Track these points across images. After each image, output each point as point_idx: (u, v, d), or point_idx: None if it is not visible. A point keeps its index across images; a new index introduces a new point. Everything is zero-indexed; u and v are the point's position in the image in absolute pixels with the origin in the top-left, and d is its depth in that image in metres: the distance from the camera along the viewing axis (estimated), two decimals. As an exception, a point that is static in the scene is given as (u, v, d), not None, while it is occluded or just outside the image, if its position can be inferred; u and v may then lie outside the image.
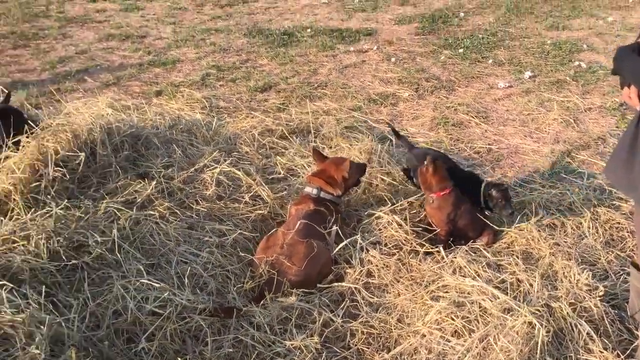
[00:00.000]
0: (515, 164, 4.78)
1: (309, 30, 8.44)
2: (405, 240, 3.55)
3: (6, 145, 3.77)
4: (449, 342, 2.79)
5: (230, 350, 2.84)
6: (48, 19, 9.22)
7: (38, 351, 2.36)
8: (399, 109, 5.92)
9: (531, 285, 3.14)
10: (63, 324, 2.58)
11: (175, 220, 3.64)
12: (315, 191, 3.77)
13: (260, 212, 3.93)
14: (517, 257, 3.41)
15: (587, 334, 2.78)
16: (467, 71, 6.82)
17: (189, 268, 3.23)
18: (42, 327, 2.48)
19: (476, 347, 2.71)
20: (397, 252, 3.47)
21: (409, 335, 2.91)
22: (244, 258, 3.48)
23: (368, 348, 2.91)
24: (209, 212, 3.85)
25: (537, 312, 2.84)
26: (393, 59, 7.25)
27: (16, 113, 4.31)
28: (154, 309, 2.91)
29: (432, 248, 3.48)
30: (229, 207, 3.93)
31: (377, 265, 3.37)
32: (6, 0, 10.43)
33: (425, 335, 2.87)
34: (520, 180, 4.44)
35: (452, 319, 2.88)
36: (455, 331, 2.85)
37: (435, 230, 3.64)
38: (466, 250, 3.47)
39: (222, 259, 3.43)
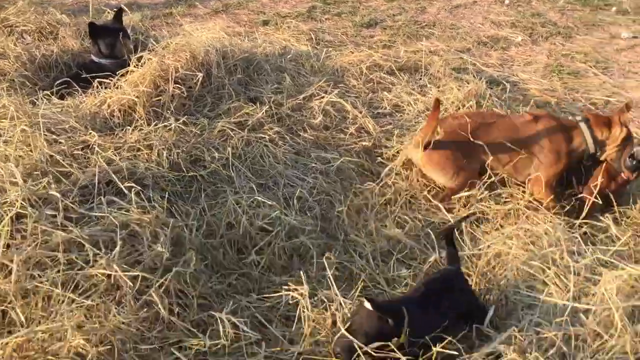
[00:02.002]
0: (635, 119, 4.51)
1: (418, -34, 8.15)
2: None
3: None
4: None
5: (336, 273, 2.93)
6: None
7: (163, 250, 2.53)
8: (510, 53, 5.69)
9: None
10: (184, 228, 2.75)
11: (284, 145, 3.73)
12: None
13: (364, 143, 3.95)
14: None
15: None
16: (587, 18, 6.41)
17: (296, 191, 3.33)
18: (166, 228, 2.66)
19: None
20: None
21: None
22: (347, 185, 3.55)
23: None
24: (315, 140, 3.91)
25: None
26: (507, 1, 6.92)
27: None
28: (264, 226, 3.04)
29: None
30: (334, 137, 3.98)
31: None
32: None
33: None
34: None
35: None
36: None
37: None
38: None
39: (326, 185, 3.51)
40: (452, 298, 2.55)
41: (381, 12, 6.73)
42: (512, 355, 2.32)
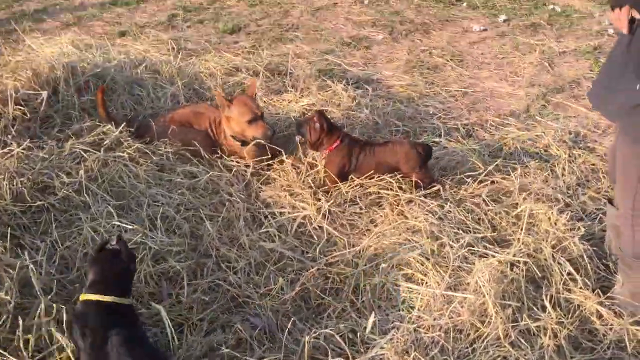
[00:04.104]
0: (490, 107, 4.72)
1: (278, -29, 8.12)
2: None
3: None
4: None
5: (205, 298, 2.75)
6: (1, -45, 8.67)
7: (8, 297, 2.23)
8: (373, 52, 5.78)
9: (504, 226, 3.15)
10: (32, 267, 2.44)
11: (146, 162, 3.49)
12: None
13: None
14: (490, 201, 3.38)
15: (568, 273, 2.78)
16: (441, 14, 6.68)
17: (161, 210, 3.12)
18: (10, 271, 2.35)
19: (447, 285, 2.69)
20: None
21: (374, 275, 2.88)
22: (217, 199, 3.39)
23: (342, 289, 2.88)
24: (178, 153, 3.71)
25: (516, 253, 2.83)
26: (366, 1, 7.06)
27: None
28: (127, 252, 2.80)
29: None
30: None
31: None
32: None
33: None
34: (496, 124, 4.39)
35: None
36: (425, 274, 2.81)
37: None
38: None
39: (194, 201, 3.32)
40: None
41: (244, 17, 6.62)
42: (394, 358, 2.28)
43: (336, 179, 3.50)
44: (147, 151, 3.56)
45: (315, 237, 3.18)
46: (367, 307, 2.75)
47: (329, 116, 3.82)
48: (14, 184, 2.92)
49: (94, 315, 2.16)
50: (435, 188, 3.44)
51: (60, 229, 2.87)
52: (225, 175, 3.53)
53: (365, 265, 2.93)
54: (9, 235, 2.60)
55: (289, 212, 3.30)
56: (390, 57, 5.65)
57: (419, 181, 3.45)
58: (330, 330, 2.52)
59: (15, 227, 2.74)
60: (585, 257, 2.88)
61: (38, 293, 2.37)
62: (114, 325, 2.12)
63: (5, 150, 3.15)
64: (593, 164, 3.84)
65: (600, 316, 2.64)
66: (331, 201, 3.39)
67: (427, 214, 3.18)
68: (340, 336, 2.51)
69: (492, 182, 3.56)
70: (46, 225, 2.88)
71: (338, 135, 3.52)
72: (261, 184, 3.58)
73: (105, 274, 2.27)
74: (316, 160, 3.68)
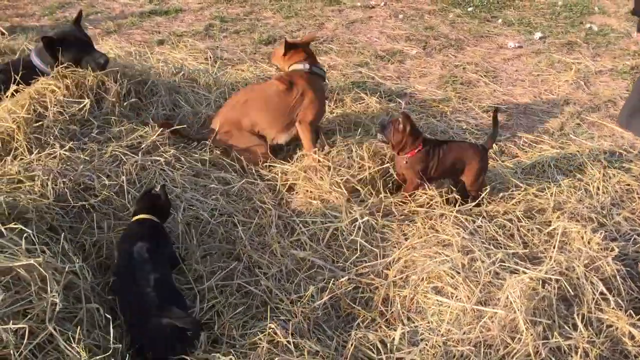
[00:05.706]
0: (524, 124, 4.71)
1: (314, -17, 8.22)
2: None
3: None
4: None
5: (236, 301, 2.79)
6: (46, -37, 8.94)
7: (57, 300, 2.30)
8: (406, 66, 5.81)
9: (536, 243, 3.14)
10: (78, 271, 2.51)
11: (182, 167, 3.57)
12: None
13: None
14: (522, 218, 3.37)
15: (600, 292, 2.76)
16: (476, 30, 6.69)
17: (197, 214, 3.19)
18: (57, 274, 2.41)
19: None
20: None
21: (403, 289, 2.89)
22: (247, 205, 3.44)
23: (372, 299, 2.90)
24: (213, 160, 3.77)
25: (548, 270, 2.82)
26: (400, 16, 7.11)
27: None
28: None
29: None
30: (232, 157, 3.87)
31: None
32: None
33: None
34: (529, 141, 4.38)
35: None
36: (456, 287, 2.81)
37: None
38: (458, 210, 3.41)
39: (227, 206, 3.38)
40: None
41: (280, 29, 6.71)
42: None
43: (417, 184, 3.50)
44: (182, 157, 3.64)
45: (346, 247, 3.20)
46: (396, 318, 2.77)
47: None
48: (57, 184, 3.01)
49: (135, 226, 2.78)
50: (472, 204, 3.44)
51: (99, 231, 2.94)
52: (258, 182, 3.59)
53: (395, 276, 2.96)
54: (60, 240, 2.66)
55: (321, 222, 3.34)
56: (423, 71, 5.68)
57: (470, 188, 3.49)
58: (360, 339, 2.54)
59: (57, 227, 2.82)
60: (618, 277, 2.86)
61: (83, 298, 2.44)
62: (145, 236, 2.71)
63: (50, 151, 3.24)
64: (628, 185, 3.81)
65: (632, 337, 2.61)
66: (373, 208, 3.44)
67: (458, 229, 3.19)
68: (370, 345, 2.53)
69: (525, 199, 3.55)
70: (88, 225, 2.95)
71: (420, 139, 3.47)
72: (294, 192, 3.63)
73: (148, 204, 2.87)
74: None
